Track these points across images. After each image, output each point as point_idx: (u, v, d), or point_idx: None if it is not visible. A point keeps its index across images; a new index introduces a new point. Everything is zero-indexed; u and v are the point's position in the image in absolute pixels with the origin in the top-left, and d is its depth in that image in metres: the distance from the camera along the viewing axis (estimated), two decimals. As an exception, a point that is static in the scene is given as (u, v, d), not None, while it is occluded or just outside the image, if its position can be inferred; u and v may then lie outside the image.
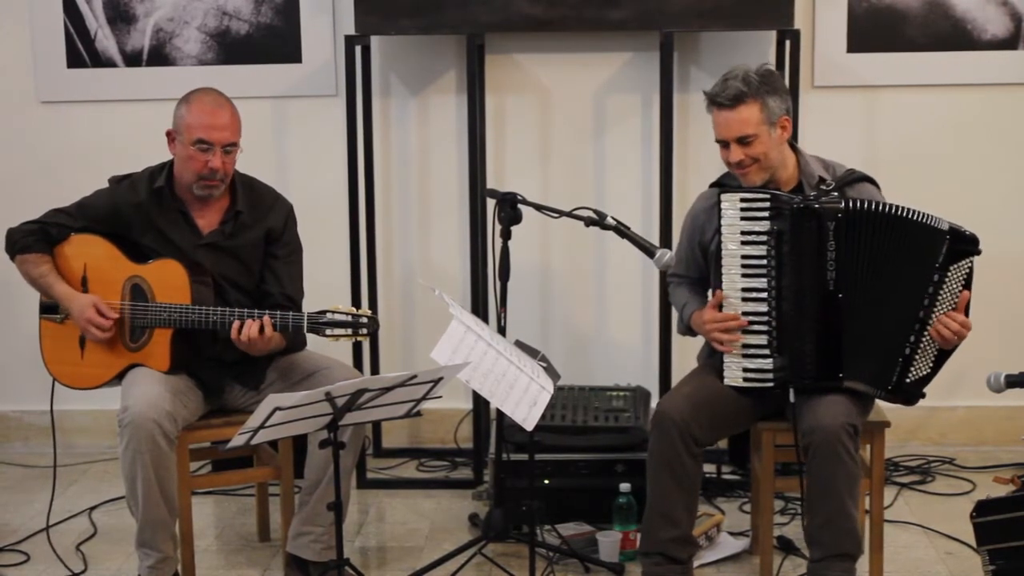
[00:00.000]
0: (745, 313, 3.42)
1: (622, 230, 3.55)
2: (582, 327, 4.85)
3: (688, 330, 3.65)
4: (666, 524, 3.47)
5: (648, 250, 3.54)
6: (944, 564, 3.82)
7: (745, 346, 3.45)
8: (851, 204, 3.34)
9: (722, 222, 3.41)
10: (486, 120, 4.64)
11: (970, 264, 3.33)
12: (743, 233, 3.40)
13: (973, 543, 3.29)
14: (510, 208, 3.62)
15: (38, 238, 3.64)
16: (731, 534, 3.98)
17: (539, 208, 3.62)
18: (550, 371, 3.36)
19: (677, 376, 4.40)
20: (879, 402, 3.59)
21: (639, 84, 4.67)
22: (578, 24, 4.37)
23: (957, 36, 4.61)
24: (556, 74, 4.70)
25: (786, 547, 3.88)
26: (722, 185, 3.59)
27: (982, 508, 3.20)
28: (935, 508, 4.25)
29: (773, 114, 3.43)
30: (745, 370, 3.46)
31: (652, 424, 3.50)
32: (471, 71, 4.36)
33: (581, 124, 4.73)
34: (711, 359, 3.63)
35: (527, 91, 4.72)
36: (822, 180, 3.45)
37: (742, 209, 3.40)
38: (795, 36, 4.30)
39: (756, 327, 3.43)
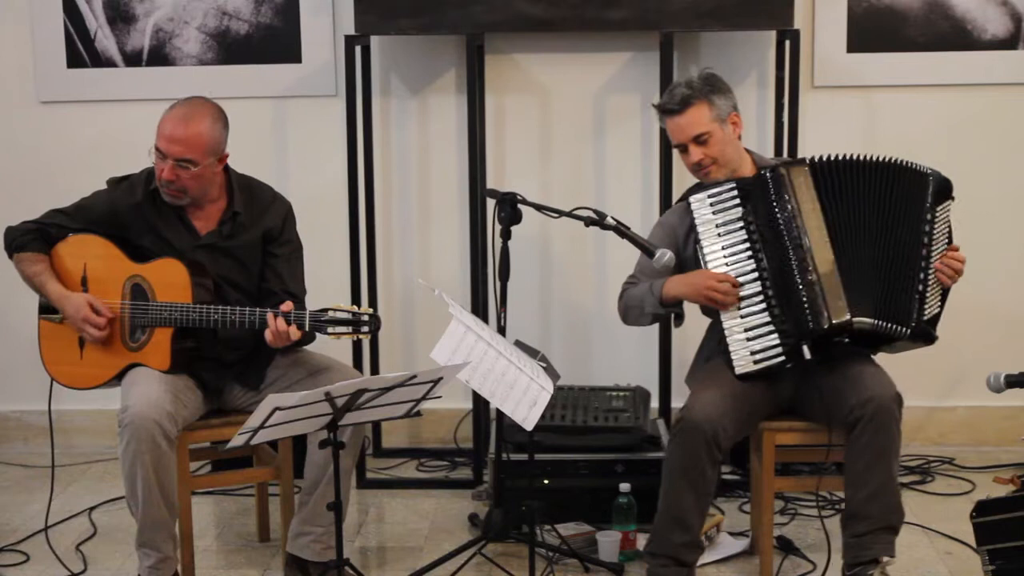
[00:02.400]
0: (741, 298, 3.48)
1: (622, 230, 3.55)
2: (582, 327, 4.85)
3: (660, 306, 3.58)
4: (679, 529, 3.47)
5: (648, 250, 3.54)
6: (944, 564, 3.82)
7: (748, 329, 3.48)
8: (816, 157, 3.49)
9: (696, 223, 3.53)
10: (486, 120, 4.64)
11: (949, 207, 3.53)
12: (718, 226, 3.52)
13: (973, 543, 3.29)
14: (510, 208, 3.62)
15: (36, 237, 3.64)
16: (731, 534, 3.98)
17: (539, 208, 3.62)
18: (550, 371, 3.36)
19: (677, 376, 4.41)
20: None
21: (639, 84, 4.67)
22: (578, 24, 4.37)
23: (957, 36, 4.61)
24: (556, 74, 4.71)
25: (786, 547, 3.88)
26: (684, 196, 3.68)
27: (982, 508, 3.20)
28: (935, 508, 4.24)
29: (722, 111, 3.57)
30: (753, 352, 3.48)
31: (677, 430, 3.45)
32: (471, 71, 4.36)
33: (581, 124, 4.73)
34: (712, 360, 3.63)
35: (527, 91, 4.72)
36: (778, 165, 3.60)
37: (711, 204, 3.53)
38: (795, 36, 4.30)
39: (753, 307, 3.49)
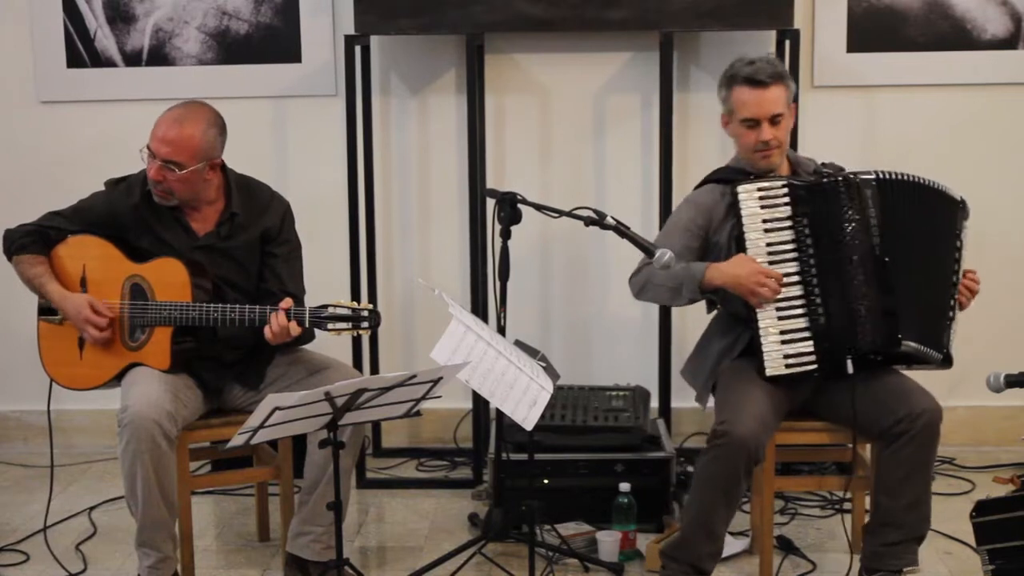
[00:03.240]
0: (779, 299, 3.43)
1: (622, 230, 3.54)
2: (582, 327, 4.84)
3: (700, 292, 3.50)
4: (708, 540, 3.45)
5: (648, 250, 3.53)
6: (944, 564, 3.82)
7: (783, 332, 3.44)
8: (882, 173, 3.45)
9: (743, 214, 3.44)
10: (486, 120, 4.64)
11: (967, 230, 3.54)
12: (765, 221, 3.44)
13: (973, 543, 3.29)
14: (510, 208, 3.61)
15: (35, 239, 3.64)
16: (731, 534, 3.97)
17: (539, 208, 3.62)
18: (550, 371, 3.36)
19: (677, 376, 4.40)
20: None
21: (639, 84, 4.67)
22: (578, 24, 4.37)
23: (957, 36, 4.61)
24: (556, 74, 4.71)
25: (786, 547, 3.88)
26: (723, 180, 3.60)
27: (982, 508, 3.20)
28: (935, 508, 4.22)
29: (791, 98, 3.54)
30: (786, 356, 3.45)
31: (719, 444, 3.35)
32: (471, 71, 4.36)
33: (581, 124, 4.73)
34: (728, 360, 3.60)
35: (527, 91, 4.72)
36: (818, 170, 3.56)
37: (760, 198, 3.44)
38: (795, 36, 4.30)
39: (793, 311, 3.44)
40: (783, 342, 3.44)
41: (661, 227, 4.32)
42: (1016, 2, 4.59)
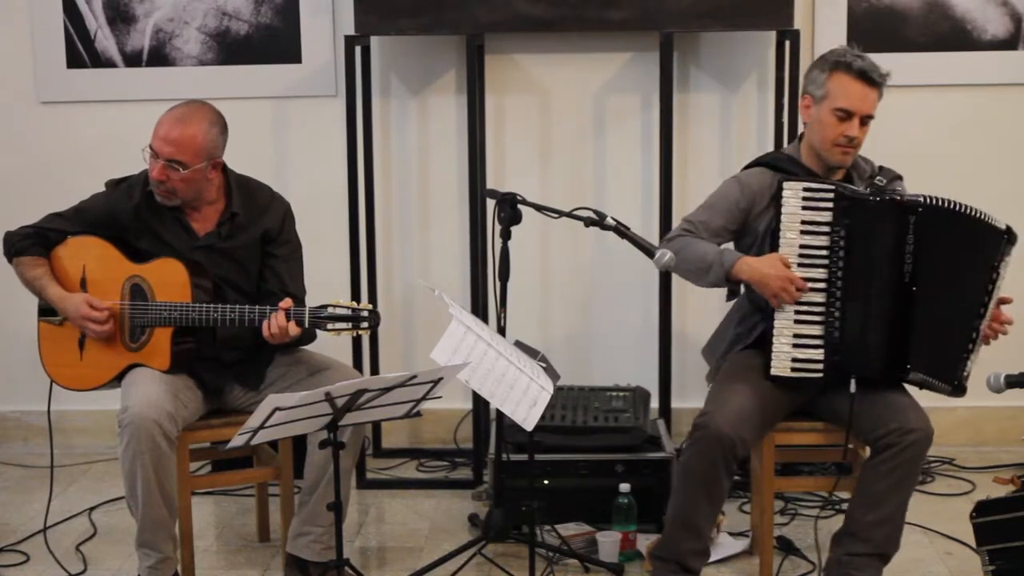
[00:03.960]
0: (799, 303, 3.41)
1: (622, 230, 3.54)
2: (582, 327, 4.84)
3: (723, 280, 3.48)
4: (690, 536, 3.45)
5: (648, 250, 3.53)
6: (944, 564, 3.82)
7: (797, 335, 3.43)
8: (929, 200, 3.37)
9: (782, 210, 3.40)
10: (486, 120, 4.64)
11: (1009, 259, 3.44)
12: (803, 223, 3.40)
13: (973, 543, 3.29)
14: (510, 208, 3.61)
15: (35, 242, 3.64)
16: (731, 534, 3.98)
17: (539, 208, 3.62)
18: (550, 371, 3.36)
19: (677, 376, 4.41)
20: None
21: (639, 84, 4.67)
22: (578, 24, 4.37)
23: (957, 36, 4.61)
24: (556, 74, 4.70)
25: (786, 547, 3.88)
26: (773, 166, 3.57)
27: (982, 508, 3.20)
28: (935, 508, 4.24)
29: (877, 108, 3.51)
30: (794, 360, 3.43)
31: (694, 438, 3.39)
32: (471, 71, 4.36)
33: (581, 124, 4.73)
34: (729, 356, 3.60)
35: (527, 91, 4.72)
36: (873, 175, 3.53)
37: (804, 199, 3.40)
38: (795, 36, 4.30)
39: (811, 317, 3.42)
40: (795, 345, 3.42)
41: (661, 227, 4.33)
42: (1016, 2, 4.59)
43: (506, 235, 3.60)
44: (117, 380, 3.60)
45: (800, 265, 3.40)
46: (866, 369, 3.41)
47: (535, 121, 4.74)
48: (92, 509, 4.35)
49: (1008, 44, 4.61)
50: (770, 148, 4.49)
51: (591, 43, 4.64)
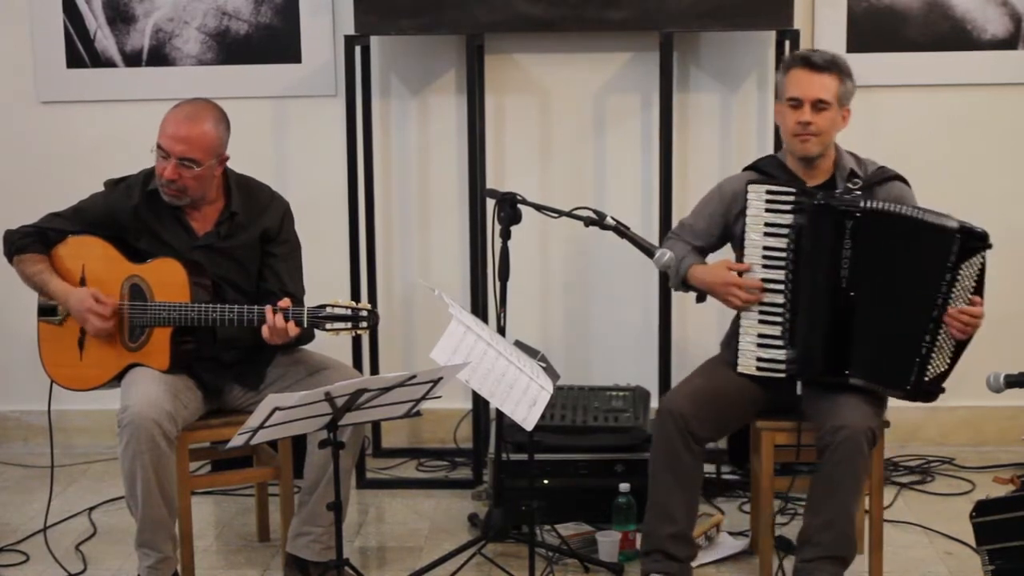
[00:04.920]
0: (762, 303, 3.48)
1: (622, 230, 3.55)
2: (582, 327, 4.84)
3: (682, 285, 3.64)
4: (664, 521, 3.49)
5: (648, 250, 3.54)
6: (944, 564, 3.82)
7: (760, 335, 3.49)
8: (869, 204, 3.39)
9: (747, 212, 3.48)
10: (486, 120, 4.64)
11: (982, 259, 3.38)
12: (767, 225, 3.47)
13: (973, 543, 3.29)
14: (510, 208, 3.61)
15: (34, 240, 3.65)
16: (731, 534, 3.98)
17: (539, 208, 3.62)
18: (550, 371, 3.36)
19: (677, 376, 4.39)
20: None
21: (639, 84, 4.67)
22: (578, 24, 4.37)
23: (957, 36, 4.61)
24: (556, 74, 4.70)
25: (786, 547, 3.87)
26: (757, 169, 3.63)
27: (982, 508, 3.20)
28: (935, 508, 4.24)
29: (844, 98, 3.54)
30: (759, 359, 3.50)
31: (655, 420, 3.53)
32: (471, 71, 4.36)
33: (581, 124, 4.73)
34: (726, 350, 3.65)
35: (527, 91, 4.72)
36: (853, 175, 3.53)
37: (767, 201, 3.46)
38: (795, 36, 4.30)
39: (772, 317, 3.48)
40: (759, 345, 3.50)
41: (661, 227, 4.34)
42: (1016, 2, 4.59)
43: (506, 235, 3.61)
44: (117, 380, 3.61)
45: (764, 267, 3.48)
46: (811, 374, 3.46)
47: (535, 121, 4.74)
48: (92, 509, 4.35)
49: (1008, 44, 4.61)
50: (770, 148, 4.48)
51: (591, 43, 4.64)
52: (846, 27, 4.59)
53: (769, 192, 3.46)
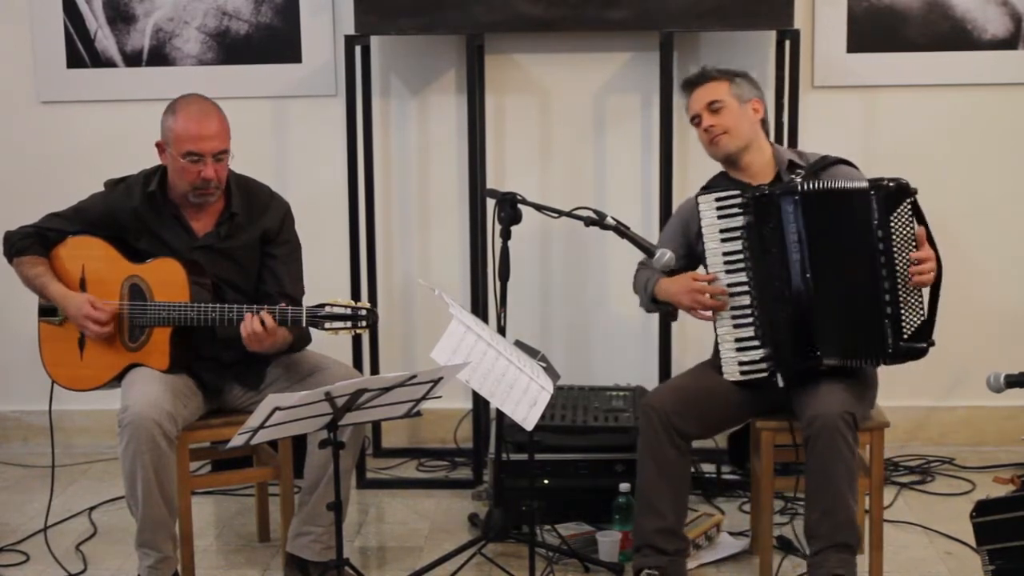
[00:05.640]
0: (732, 307, 3.51)
1: (622, 230, 3.55)
2: (582, 327, 4.84)
3: (653, 303, 3.68)
4: (651, 515, 3.50)
5: (648, 250, 3.54)
6: (944, 564, 3.83)
7: (738, 340, 3.51)
8: (807, 185, 3.44)
9: (702, 224, 3.54)
10: (486, 120, 4.64)
11: (909, 205, 3.39)
12: (721, 231, 3.52)
13: (973, 543, 3.29)
14: (510, 208, 3.62)
15: (34, 241, 3.65)
16: (731, 534, 3.98)
17: (539, 208, 3.62)
18: (550, 371, 3.36)
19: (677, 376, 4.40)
20: (878, 402, 3.61)
21: (639, 84, 4.67)
22: (578, 24, 4.37)
23: (957, 36, 4.61)
24: (556, 74, 4.70)
25: (786, 547, 3.88)
26: (706, 188, 3.68)
27: (982, 508, 3.20)
28: (935, 508, 4.25)
29: (743, 93, 3.63)
30: (740, 363, 3.51)
31: (639, 417, 3.57)
32: (471, 71, 4.36)
33: (581, 124, 4.73)
34: (715, 356, 3.65)
35: (527, 91, 4.72)
36: (793, 166, 3.59)
37: (717, 208, 3.52)
38: (795, 36, 4.30)
39: (744, 320, 3.51)
40: (738, 349, 3.52)
41: (661, 227, 4.33)
42: (1016, 2, 4.59)
43: (506, 235, 3.61)
44: (117, 380, 3.61)
45: (728, 272, 3.51)
46: (785, 364, 3.47)
47: (535, 121, 4.74)
48: (92, 509, 4.35)
49: (1008, 44, 4.61)
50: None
51: (591, 43, 4.64)
52: (846, 27, 4.60)
53: (717, 199, 3.52)
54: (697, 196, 3.57)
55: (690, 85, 3.68)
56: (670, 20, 4.31)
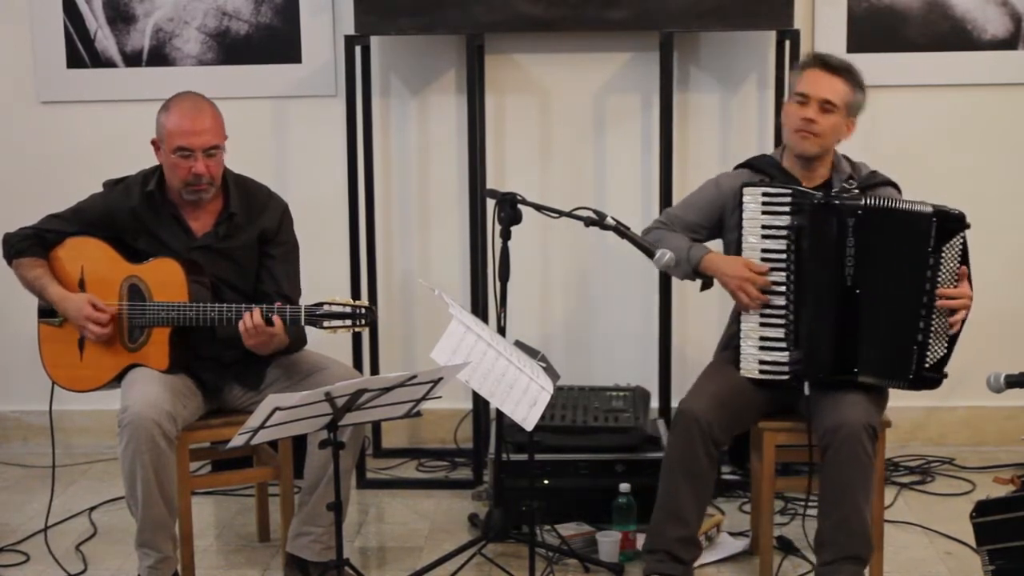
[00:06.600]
0: (765, 305, 3.48)
1: (622, 230, 3.55)
2: (582, 327, 4.84)
3: (694, 273, 3.60)
4: (675, 523, 3.48)
5: (648, 250, 3.54)
6: (944, 564, 3.82)
7: (762, 338, 3.49)
8: (870, 201, 3.40)
9: (743, 216, 3.48)
10: (486, 120, 4.64)
11: (962, 240, 3.39)
12: (764, 227, 3.47)
13: (973, 543, 3.29)
14: (510, 208, 3.61)
15: (33, 243, 3.65)
16: (731, 534, 3.98)
17: (539, 208, 3.62)
18: (550, 371, 3.36)
19: (677, 376, 4.41)
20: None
21: (639, 84, 4.67)
22: (578, 24, 4.37)
23: (957, 36, 4.61)
24: (556, 74, 4.70)
25: (786, 547, 3.88)
26: (752, 167, 3.63)
27: (982, 508, 3.20)
28: (935, 508, 4.24)
29: (853, 107, 3.55)
30: (761, 362, 3.50)
31: (673, 422, 3.52)
32: (471, 71, 4.36)
33: (581, 124, 4.73)
34: (725, 352, 3.66)
35: (527, 91, 4.72)
36: (850, 178, 3.55)
37: (763, 203, 3.47)
38: (795, 36, 4.30)
39: (774, 320, 3.48)
40: (761, 348, 3.50)
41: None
42: (1016, 2, 4.59)
43: (506, 235, 3.61)
44: (117, 380, 3.61)
45: None
46: (819, 373, 3.46)
47: (535, 121, 4.74)
48: (92, 509, 4.35)
49: (1008, 44, 4.61)
50: (770, 148, 4.48)
51: (591, 43, 4.64)
52: (846, 27, 4.60)
53: (765, 195, 3.46)
54: (743, 186, 3.50)
55: (824, 66, 3.52)
56: (670, 20, 4.31)
